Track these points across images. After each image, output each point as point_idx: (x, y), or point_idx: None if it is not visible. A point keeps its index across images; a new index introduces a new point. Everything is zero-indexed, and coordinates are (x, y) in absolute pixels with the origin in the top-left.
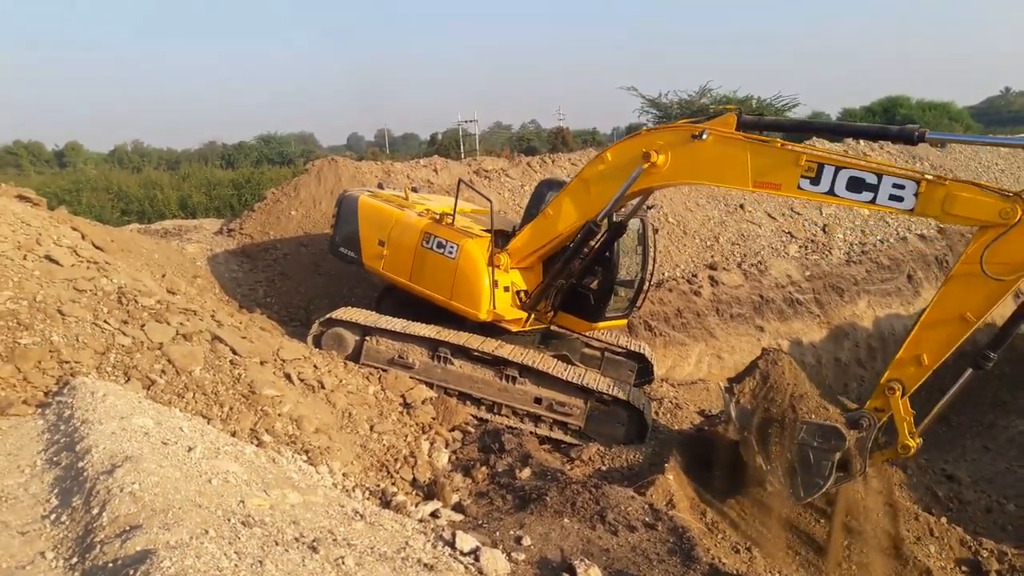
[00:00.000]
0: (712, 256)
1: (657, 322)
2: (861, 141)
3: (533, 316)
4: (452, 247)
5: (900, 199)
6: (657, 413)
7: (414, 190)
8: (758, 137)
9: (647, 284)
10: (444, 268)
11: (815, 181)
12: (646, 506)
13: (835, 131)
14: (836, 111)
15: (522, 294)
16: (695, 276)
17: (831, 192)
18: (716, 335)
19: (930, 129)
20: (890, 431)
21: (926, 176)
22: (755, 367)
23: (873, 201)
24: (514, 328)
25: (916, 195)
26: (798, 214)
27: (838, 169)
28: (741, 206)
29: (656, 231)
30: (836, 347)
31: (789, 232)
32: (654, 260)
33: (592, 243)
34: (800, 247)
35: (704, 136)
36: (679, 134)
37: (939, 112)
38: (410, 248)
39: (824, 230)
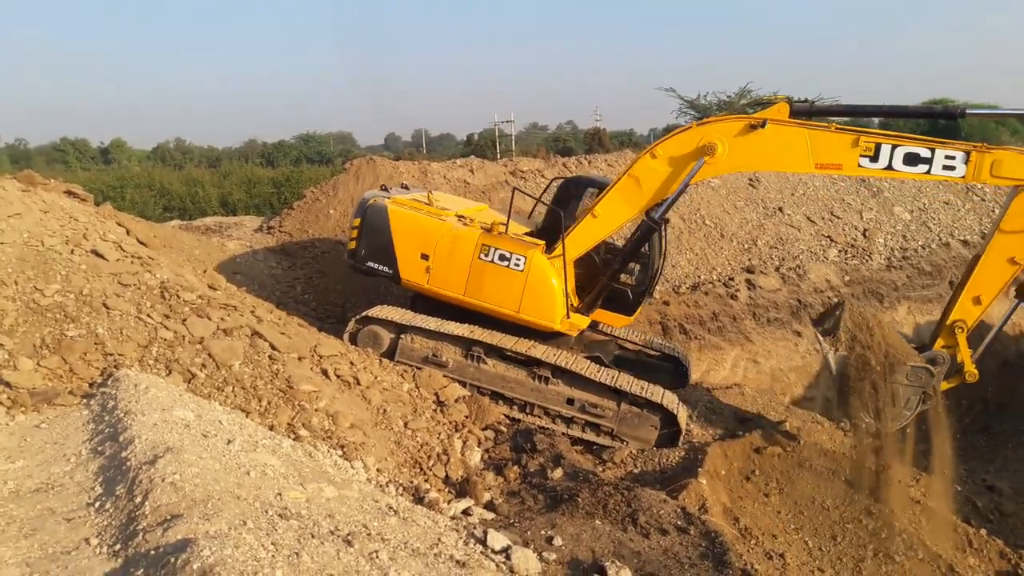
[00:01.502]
0: (750, 259)
1: (692, 325)
2: None
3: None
4: (519, 259)
5: (952, 168)
6: (691, 417)
7: (404, 187)
8: (815, 123)
9: (659, 273)
10: (510, 281)
11: (874, 159)
12: (678, 510)
13: (884, 113)
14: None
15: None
16: (732, 279)
17: (889, 167)
18: (752, 339)
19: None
20: None
21: (975, 146)
22: (839, 314)
23: (928, 172)
24: (575, 332)
25: (967, 163)
26: (838, 218)
27: (895, 147)
28: (780, 209)
29: (667, 222)
30: None
31: (829, 236)
32: (666, 250)
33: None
34: (840, 251)
35: (765, 125)
36: (737, 124)
37: None
38: (464, 261)
39: (865, 235)
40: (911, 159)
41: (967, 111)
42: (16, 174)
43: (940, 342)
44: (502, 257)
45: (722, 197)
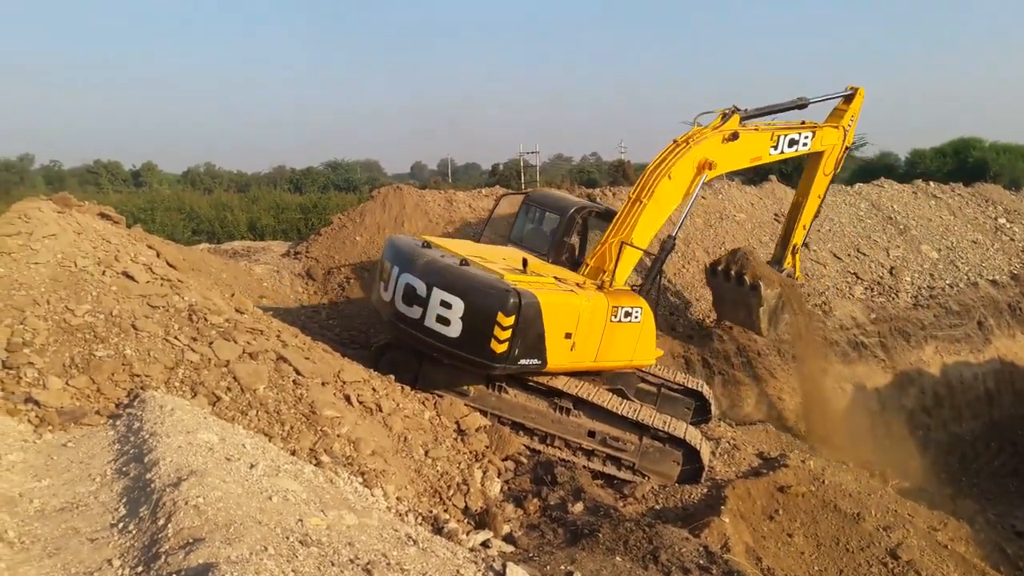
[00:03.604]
0: None
1: (716, 360)
2: (931, 182)
3: None
4: (637, 311)
5: (807, 144)
6: (714, 453)
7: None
8: (750, 127)
9: None
10: (630, 334)
11: (776, 148)
12: (700, 548)
13: (767, 112)
14: (905, 151)
15: None
16: None
17: (782, 151)
18: (777, 376)
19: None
20: None
21: (814, 125)
22: (750, 260)
23: (797, 150)
24: None
25: (813, 138)
26: (864, 255)
27: (785, 136)
28: (806, 245)
29: None
30: (901, 393)
31: (855, 273)
32: None
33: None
34: (866, 289)
35: (737, 136)
36: (718, 138)
37: (1014, 154)
38: (599, 328)
39: (891, 272)
40: (792, 143)
41: (809, 101)
42: (52, 196)
43: (789, 260)
44: (627, 314)
45: (747, 232)
